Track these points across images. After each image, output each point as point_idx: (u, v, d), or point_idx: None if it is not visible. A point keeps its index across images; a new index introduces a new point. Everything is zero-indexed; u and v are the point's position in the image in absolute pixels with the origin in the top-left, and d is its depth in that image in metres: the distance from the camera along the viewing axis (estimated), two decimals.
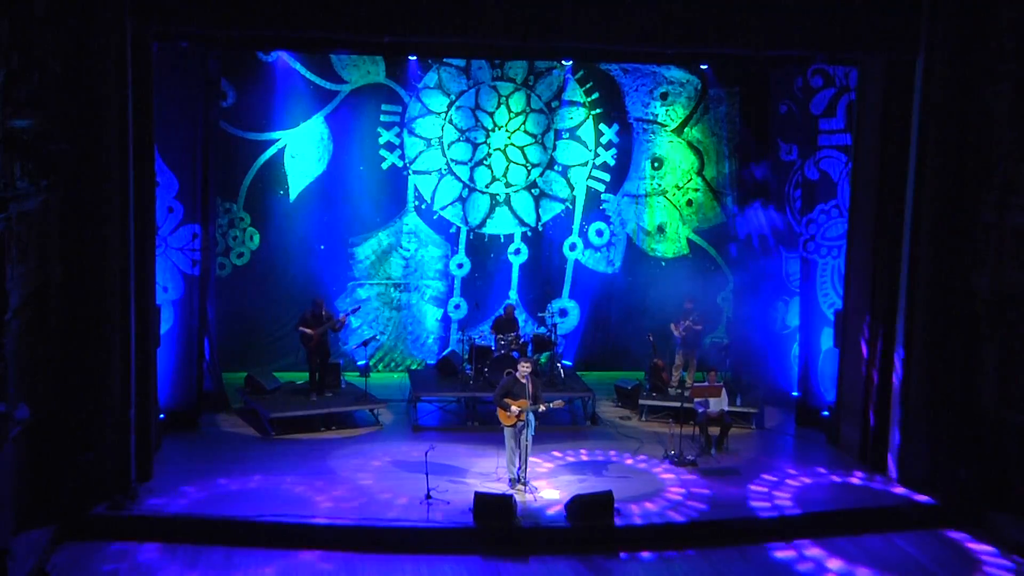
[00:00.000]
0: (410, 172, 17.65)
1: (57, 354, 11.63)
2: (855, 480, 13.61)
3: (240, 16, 12.05)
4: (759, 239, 17.26)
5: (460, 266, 18.07)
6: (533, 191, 18.06)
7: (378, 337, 17.56)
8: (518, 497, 12.17)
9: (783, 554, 11.68)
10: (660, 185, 18.21)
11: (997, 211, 12.49)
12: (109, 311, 11.77)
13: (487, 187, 17.92)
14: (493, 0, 12.46)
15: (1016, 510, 12.35)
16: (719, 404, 14.32)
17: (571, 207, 18.17)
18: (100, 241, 11.66)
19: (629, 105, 18.00)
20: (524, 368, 12.57)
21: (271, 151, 17.00)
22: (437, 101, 17.54)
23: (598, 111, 17.96)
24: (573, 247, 18.29)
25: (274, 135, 16.95)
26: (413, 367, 17.84)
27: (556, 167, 18.05)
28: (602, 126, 18.01)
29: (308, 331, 15.22)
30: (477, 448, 14.09)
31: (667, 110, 18.02)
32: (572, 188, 18.09)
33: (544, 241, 18.22)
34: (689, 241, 18.36)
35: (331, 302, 16.54)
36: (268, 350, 17.16)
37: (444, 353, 17.44)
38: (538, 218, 18.14)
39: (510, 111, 17.73)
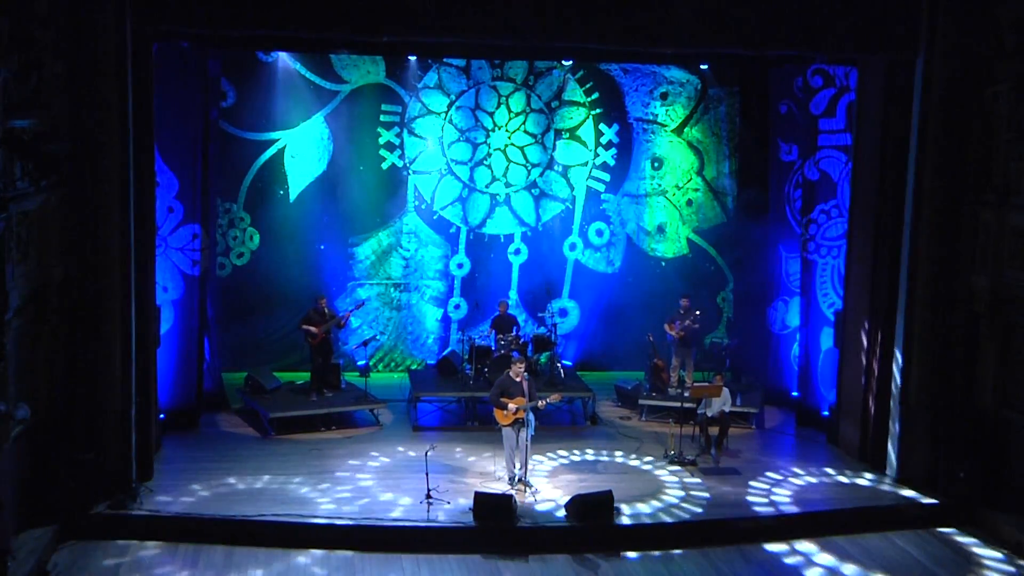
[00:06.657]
0: (410, 172, 17.65)
1: (57, 354, 11.62)
2: (855, 480, 13.62)
3: (240, 16, 12.04)
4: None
5: (460, 266, 18.07)
6: (533, 191, 18.05)
7: (378, 337, 17.55)
8: (518, 497, 12.19)
9: (783, 554, 11.69)
10: (660, 185, 18.20)
11: (997, 211, 12.49)
12: (109, 311, 11.77)
13: (487, 187, 17.92)
14: (493, 0, 12.47)
15: (1016, 510, 12.35)
16: (720, 404, 14.33)
17: (571, 207, 18.17)
18: (100, 241, 11.66)
19: (629, 105, 17.99)
20: (518, 368, 12.58)
21: (271, 151, 16.99)
22: (437, 101, 17.54)
23: (598, 111, 17.95)
24: (573, 247, 18.29)
25: (274, 135, 16.94)
26: (413, 367, 17.83)
27: (556, 167, 18.03)
28: (602, 126, 17.99)
29: (312, 329, 15.22)
30: (477, 448, 14.11)
31: (667, 110, 18.00)
32: (572, 188, 18.09)
33: (544, 241, 18.22)
34: (689, 241, 18.34)
35: (331, 302, 16.51)
36: (268, 350, 17.13)
37: (444, 353, 17.42)
38: (538, 218, 18.13)
39: (510, 111, 17.71)
